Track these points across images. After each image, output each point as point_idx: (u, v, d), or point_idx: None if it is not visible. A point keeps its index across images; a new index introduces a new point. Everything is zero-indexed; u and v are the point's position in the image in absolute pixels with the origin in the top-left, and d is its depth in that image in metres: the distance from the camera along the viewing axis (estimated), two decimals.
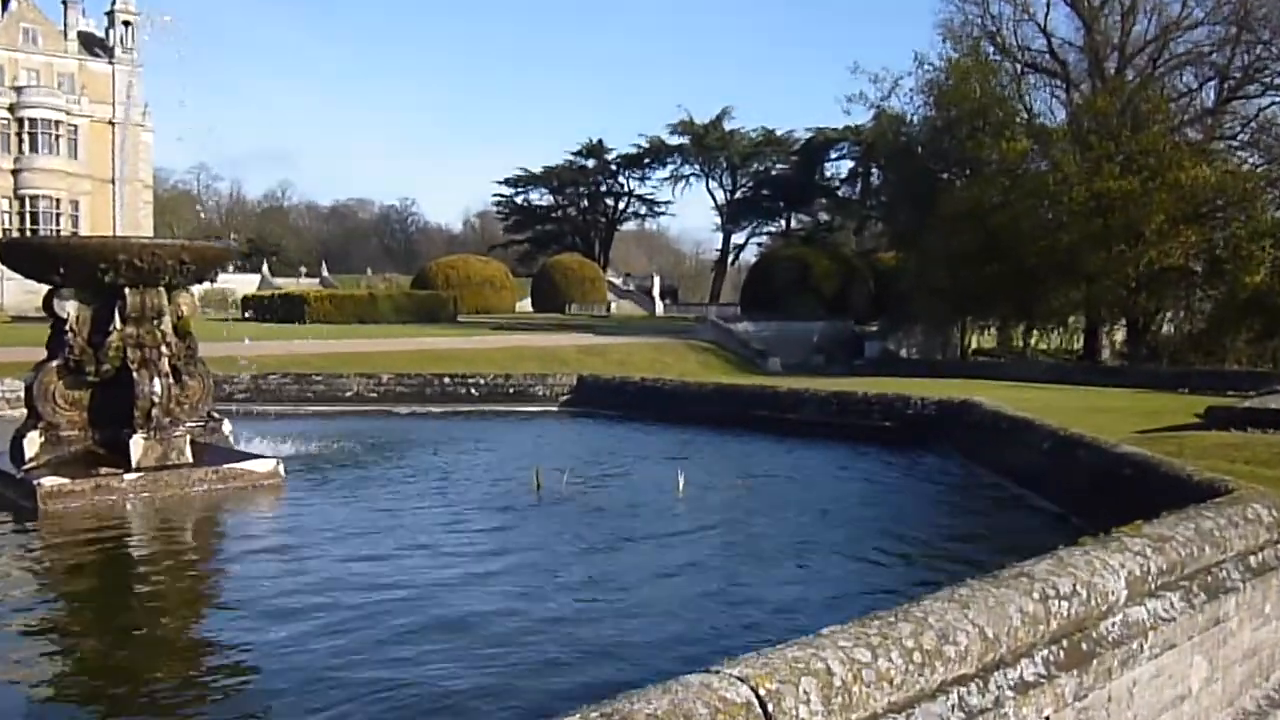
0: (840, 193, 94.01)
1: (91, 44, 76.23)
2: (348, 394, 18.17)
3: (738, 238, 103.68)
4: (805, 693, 3.00)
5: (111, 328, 10.12)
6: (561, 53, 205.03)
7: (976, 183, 51.62)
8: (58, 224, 70.54)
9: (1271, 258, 45.05)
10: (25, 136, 71.08)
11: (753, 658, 3.09)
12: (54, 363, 10.17)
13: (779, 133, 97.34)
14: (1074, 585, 4.09)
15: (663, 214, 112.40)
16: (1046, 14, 55.24)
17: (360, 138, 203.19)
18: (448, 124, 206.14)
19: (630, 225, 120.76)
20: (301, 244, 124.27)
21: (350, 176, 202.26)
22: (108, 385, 10.17)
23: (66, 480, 9.24)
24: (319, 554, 7.31)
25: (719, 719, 2.79)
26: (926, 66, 57.12)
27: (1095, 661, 4.02)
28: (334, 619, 5.78)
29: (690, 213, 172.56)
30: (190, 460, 10.06)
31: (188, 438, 10.22)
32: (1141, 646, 4.30)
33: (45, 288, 10.30)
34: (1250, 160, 51.30)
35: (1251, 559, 5.35)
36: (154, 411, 10.09)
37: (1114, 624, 4.25)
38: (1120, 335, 57.10)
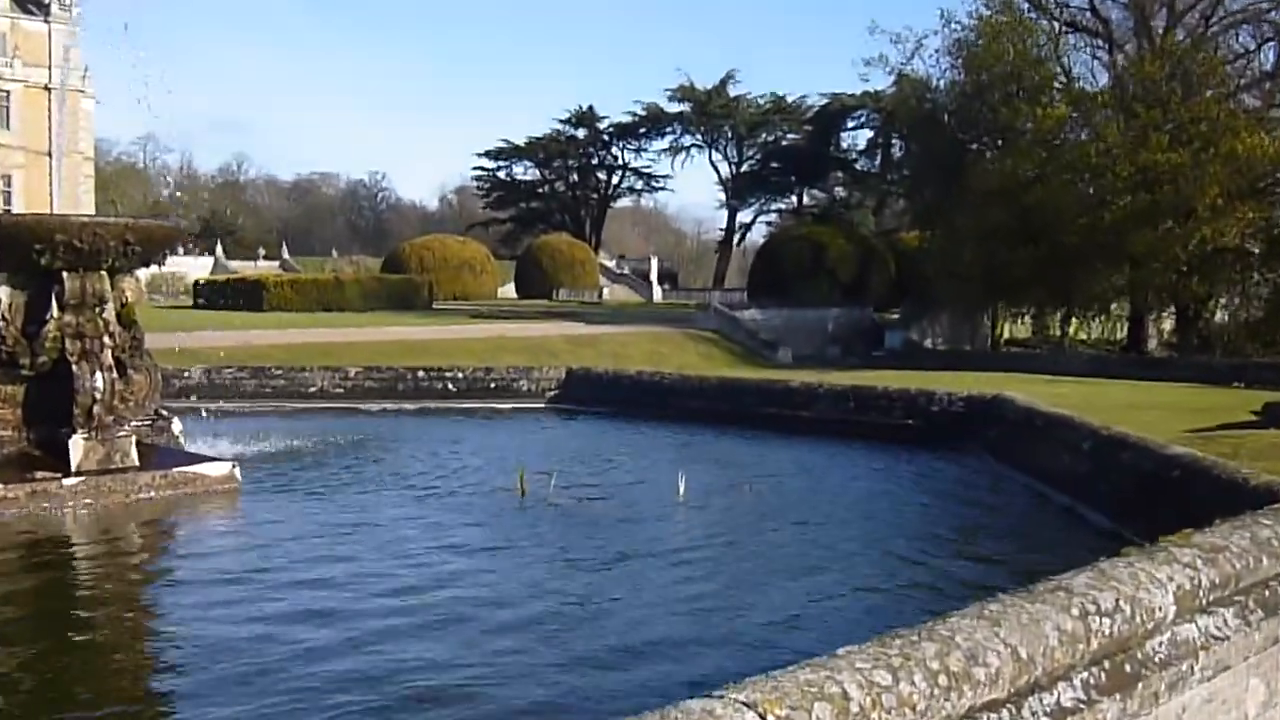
0: (858, 166, 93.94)
1: (25, 0, 76.09)
2: (311, 390, 18.15)
3: (744, 216, 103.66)
4: None
5: (48, 316, 10.10)
6: (548, 10, 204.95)
7: (1009, 154, 51.52)
8: None
9: None
10: None
11: (760, 680, 3.09)
12: None
13: (790, 99, 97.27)
14: (1117, 600, 4.09)
15: (661, 189, 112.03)
16: None
17: (325, 104, 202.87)
18: (422, 89, 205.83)
19: (625, 202, 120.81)
20: (260, 223, 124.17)
21: (314, 148, 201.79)
22: (44, 380, 10.15)
23: None
24: (267, 580, 7.00)
25: None
26: (954, 25, 56.98)
27: (1140, 685, 4.02)
28: (265, 661, 5.46)
29: (691, 188, 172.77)
30: (136, 463, 10.04)
31: (133, 438, 10.21)
32: (1192, 668, 4.30)
33: None
34: None
35: None
36: (96, 409, 10.06)
37: (1161, 643, 4.25)
38: (1168, 324, 57.07)
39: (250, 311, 48.70)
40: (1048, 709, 3.67)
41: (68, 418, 10.02)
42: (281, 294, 54.89)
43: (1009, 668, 3.57)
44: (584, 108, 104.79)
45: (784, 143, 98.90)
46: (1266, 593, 4.97)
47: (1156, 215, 46.96)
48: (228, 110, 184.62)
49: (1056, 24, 55.99)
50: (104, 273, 10.29)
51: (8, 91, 72.48)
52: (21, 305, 10.17)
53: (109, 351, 10.28)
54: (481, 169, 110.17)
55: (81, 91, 75.86)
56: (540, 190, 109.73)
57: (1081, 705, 3.77)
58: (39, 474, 9.59)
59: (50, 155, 71.45)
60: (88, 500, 9.46)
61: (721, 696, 3.00)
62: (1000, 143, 54.52)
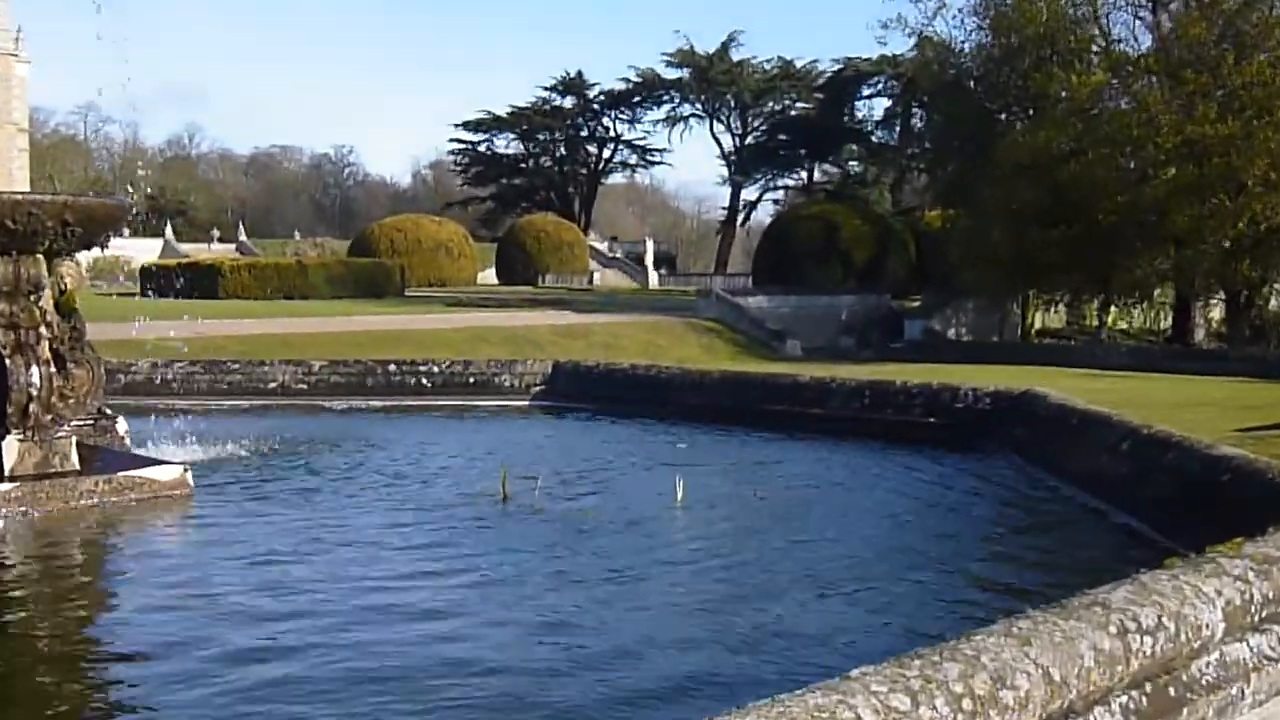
0: (874, 138, 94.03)
1: None
2: (271, 385, 18.14)
3: (749, 193, 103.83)
4: None
5: None
6: None
7: (1042, 125, 51.47)
8: None
9: None
10: None
11: (766, 706, 3.09)
12: None
13: (799, 64, 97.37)
14: (1159, 617, 4.10)
15: (657, 164, 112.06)
16: None
17: (286, 70, 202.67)
18: (394, 54, 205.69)
19: (618, 178, 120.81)
20: (214, 201, 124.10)
21: (273, 118, 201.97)
22: None
23: None
24: (211, 610, 6.78)
25: None
26: None
27: (1185, 710, 4.02)
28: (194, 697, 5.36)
29: (691, 163, 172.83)
30: (77, 467, 10.03)
31: (73, 439, 10.19)
32: (1243, 692, 4.31)
33: None
34: None
35: None
36: (31, 407, 10.03)
37: (1209, 664, 4.26)
38: (1217, 312, 57.12)
39: (203, 299, 48.63)
40: None
41: (0, 417, 10.00)
42: (238, 280, 54.86)
43: (1040, 691, 3.57)
44: (572, 74, 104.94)
45: (792, 113, 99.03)
46: None
47: (1204, 190, 46.89)
48: (179, 76, 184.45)
49: None
50: (40, 256, 10.25)
51: None
52: None
53: (46, 344, 10.24)
54: (459, 142, 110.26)
55: (14, 55, 75.66)
56: (524, 165, 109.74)
57: None
58: None
59: None
60: (23, 508, 9.44)
61: None
62: (1032, 112, 54.52)
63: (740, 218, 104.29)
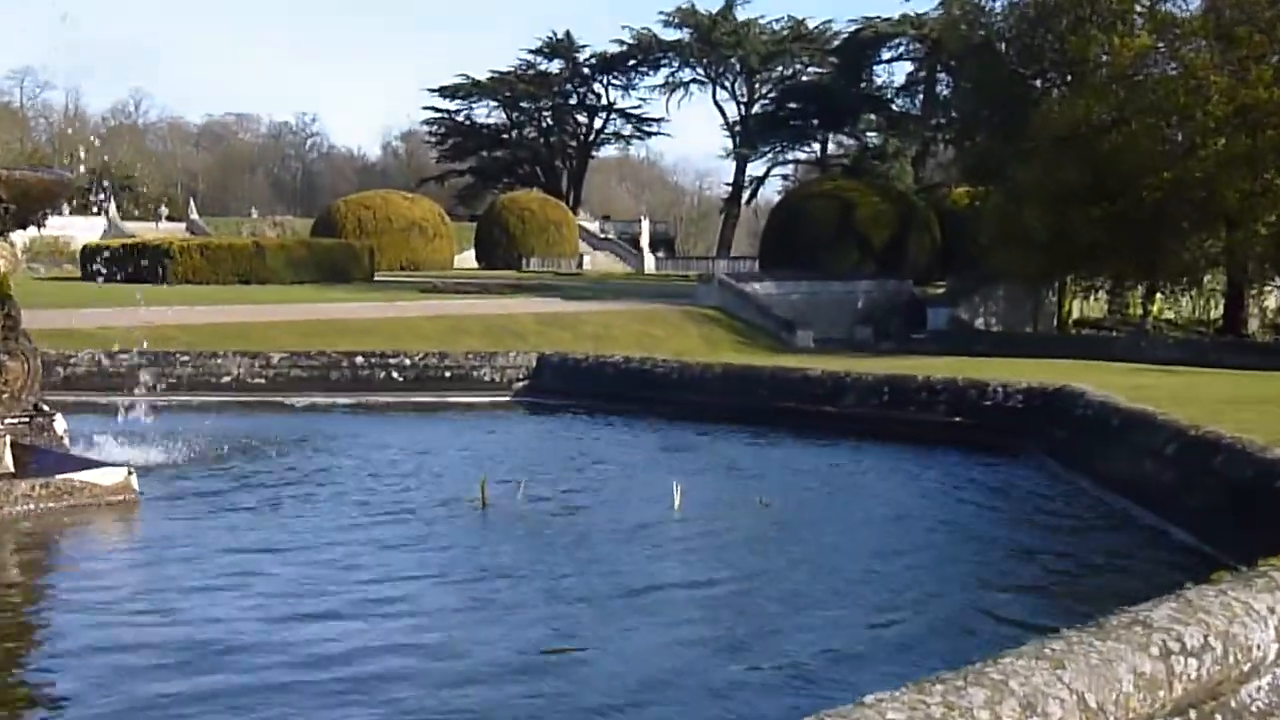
0: (894, 107, 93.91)
1: None
2: (224, 379, 18.13)
3: (755, 168, 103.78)
4: None
5: None
6: None
7: (1081, 93, 51.43)
8: None
9: None
10: None
11: None
12: None
13: (811, 25, 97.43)
14: (1206, 637, 4.11)
15: (654, 135, 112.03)
16: None
17: (241, 29, 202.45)
18: (362, 10, 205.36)
19: (610, 151, 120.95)
20: (162, 176, 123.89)
21: (228, 84, 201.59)
22: None
23: None
24: (156, 640, 6.65)
25: None
26: None
27: None
28: None
29: (692, 134, 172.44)
30: (10, 469, 10.02)
31: (7, 438, 10.18)
32: None
33: None
34: None
35: None
36: None
37: (1260, 689, 4.27)
38: (1273, 300, 57.17)
39: (151, 284, 48.54)
40: None
41: None
42: (189, 262, 54.74)
43: (1074, 718, 3.58)
44: (560, 35, 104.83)
45: (804, 78, 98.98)
46: None
47: (1257, 163, 46.79)
48: (124, 35, 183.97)
49: None
50: None
51: None
52: None
53: None
54: (434, 110, 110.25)
55: None
56: (506, 137, 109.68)
57: None
58: None
59: None
60: None
61: None
62: (1069, 79, 54.51)
63: (746, 195, 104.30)
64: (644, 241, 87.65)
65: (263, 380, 18.20)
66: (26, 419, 10.76)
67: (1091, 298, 62.81)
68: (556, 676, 6.15)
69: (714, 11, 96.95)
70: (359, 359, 18.71)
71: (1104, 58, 51.36)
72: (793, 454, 13.66)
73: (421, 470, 12.11)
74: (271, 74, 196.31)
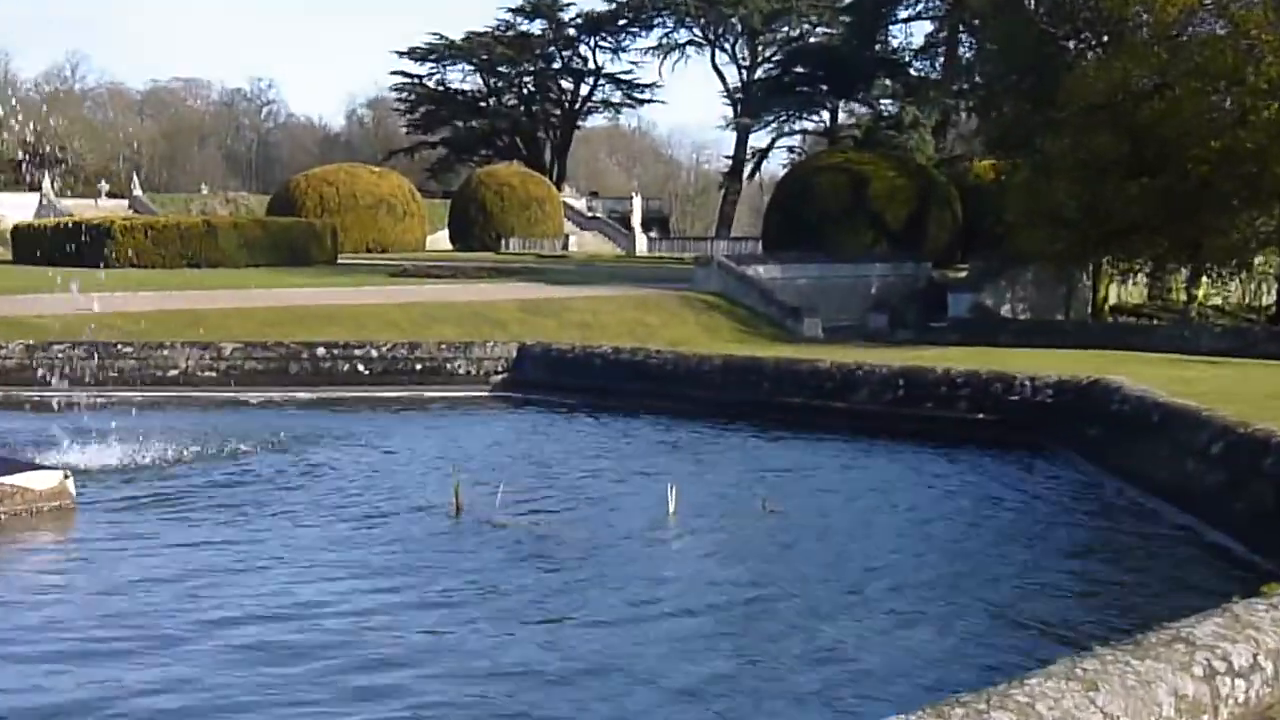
0: (912, 71, 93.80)
1: None
2: (172, 373, 18.11)
3: (758, 139, 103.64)
4: None
5: None
6: None
7: (1119, 55, 51.35)
8: None
9: None
10: None
11: None
12: None
13: None
14: (1255, 656, 4.11)
15: (647, 103, 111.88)
16: None
17: None
18: None
19: (598, 121, 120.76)
20: (102, 148, 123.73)
21: (176, 46, 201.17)
22: None
23: None
24: (89, 676, 6.53)
25: None
26: None
27: None
28: None
29: (688, 102, 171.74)
30: None
31: None
32: None
33: None
34: None
35: None
36: None
37: None
38: None
39: (90, 267, 48.47)
40: None
41: None
42: (132, 243, 54.63)
43: None
44: None
45: (812, 40, 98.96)
46: None
47: None
48: None
49: None
50: None
51: None
52: None
53: None
54: (404, 75, 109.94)
55: None
56: (483, 104, 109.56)
57: None
58: None
59: None
60: None
61: None
62: (1105, 39, 54.47)
63: (748, 169, 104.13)
64: (635, 220, 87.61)
65: (214, 374, 18.18)
66: None
67: (1130, 282, 62.78)
68: None
69: None
70: (321, 350, 18.69)
71: (1144, 16, 51.28)
72: (799, 454, 13.67)
73: (389, 473, 12.10)
74: (223, 35, 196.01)
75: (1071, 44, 56.64)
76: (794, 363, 17.35)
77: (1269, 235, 51.17)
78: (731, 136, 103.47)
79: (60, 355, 17.99)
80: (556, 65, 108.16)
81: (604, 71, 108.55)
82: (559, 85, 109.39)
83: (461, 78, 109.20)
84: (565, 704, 6.18)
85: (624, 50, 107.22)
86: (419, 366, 18.55)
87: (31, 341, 18.13)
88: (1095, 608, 7.93)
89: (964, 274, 61.12)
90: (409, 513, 10.21)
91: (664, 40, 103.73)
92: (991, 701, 3.53)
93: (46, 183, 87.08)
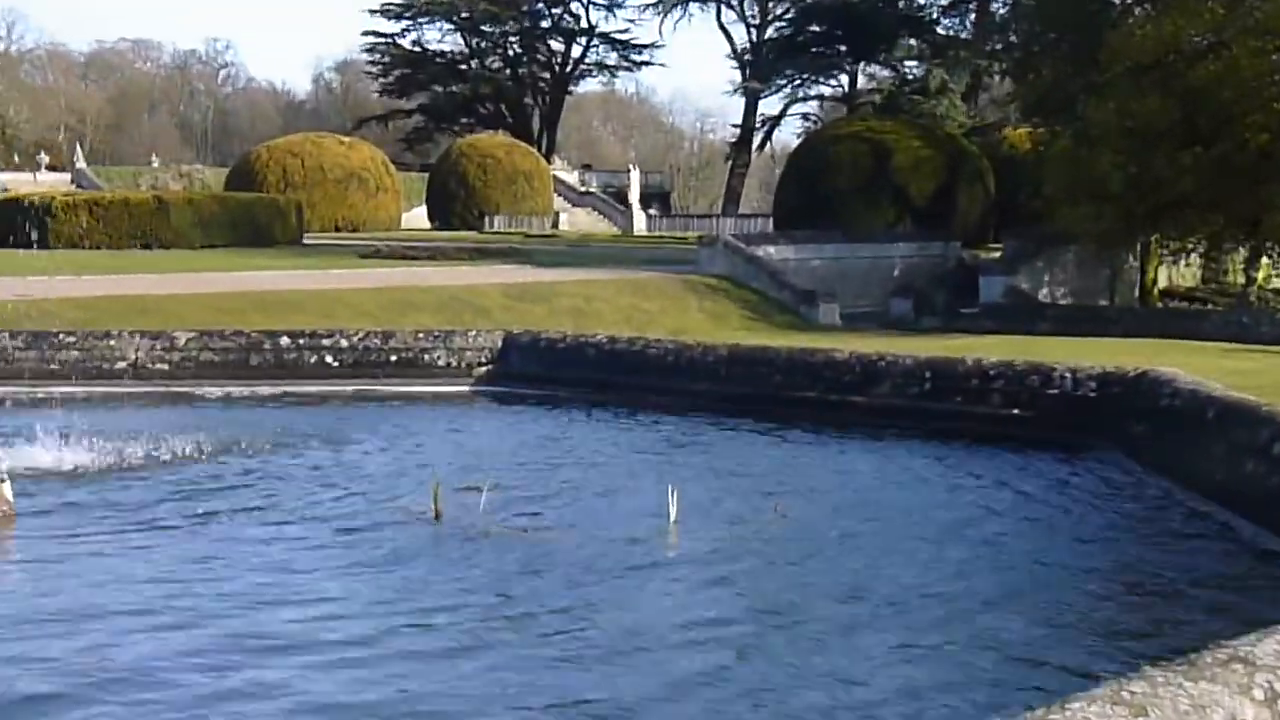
0: (940, 30, 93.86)
1: None
2: (120, 365, 18.07)
3: (769, 105, 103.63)
4: None
5: None
6: None
7: (1169, 12, 51.35)
8: None
9: None
10: None
11: None
12: None
13: None
14: None
15: (646, 66, 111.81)
16: None
17: None
18: None
19: (592, 86, 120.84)
20: (42, 116, 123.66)
21: (123, 3, 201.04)
22: None
23: None
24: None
25: None
26: None
27: None
28: None
29: (691, 65, 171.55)
30: None
31: None
32: None
33: None
34: None
35: None
36: None
37: None
38: None
39: (28, 249, 48.47)
40: None
41: None
42: (74, 222, 54.66)
43: None
44: None
45: None
46: None
47: None
48: None
49: None
50: None
51: None
52: None
53: None
54: (376, 35, 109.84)
55: None
56: (464, 68, 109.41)
57: None
58: None
59: None
60: None
61: None
62: None
63: (757, 139, 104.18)
64: (633, 196, 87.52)
65: (166, 366, 18.15)
66: None
67: (1181, 263, 62.80)
68: None
69: None
70: (285, 340, 18.67)
71: None
72: (814, 454, 13.68)
73: (360, 476, 12.09)
74: None
75: (1117, 0, 56.64)
76: (808, 353, 17.35)
77: None
78: (739, 103, 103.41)
79: None
80: (545, 23, 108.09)
81: (598, 30, 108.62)
82: (548, 46, 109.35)
83: (440, 37, 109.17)
84: None
85: (620, 6, 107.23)
86: (394, 358, 18.53)
87: None
88: (1139, 622, 7.91)
89: (997, 254, 61.07)
90: (383, 521, 10.17)
91: None
92: None
93: None
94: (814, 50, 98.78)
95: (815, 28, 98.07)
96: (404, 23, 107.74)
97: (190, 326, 20.68)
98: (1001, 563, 9.40)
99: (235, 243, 54.36)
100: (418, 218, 78.73)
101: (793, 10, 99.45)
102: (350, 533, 9.87)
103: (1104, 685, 3.85)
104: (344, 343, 18.71)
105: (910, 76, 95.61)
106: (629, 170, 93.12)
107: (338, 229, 67.72)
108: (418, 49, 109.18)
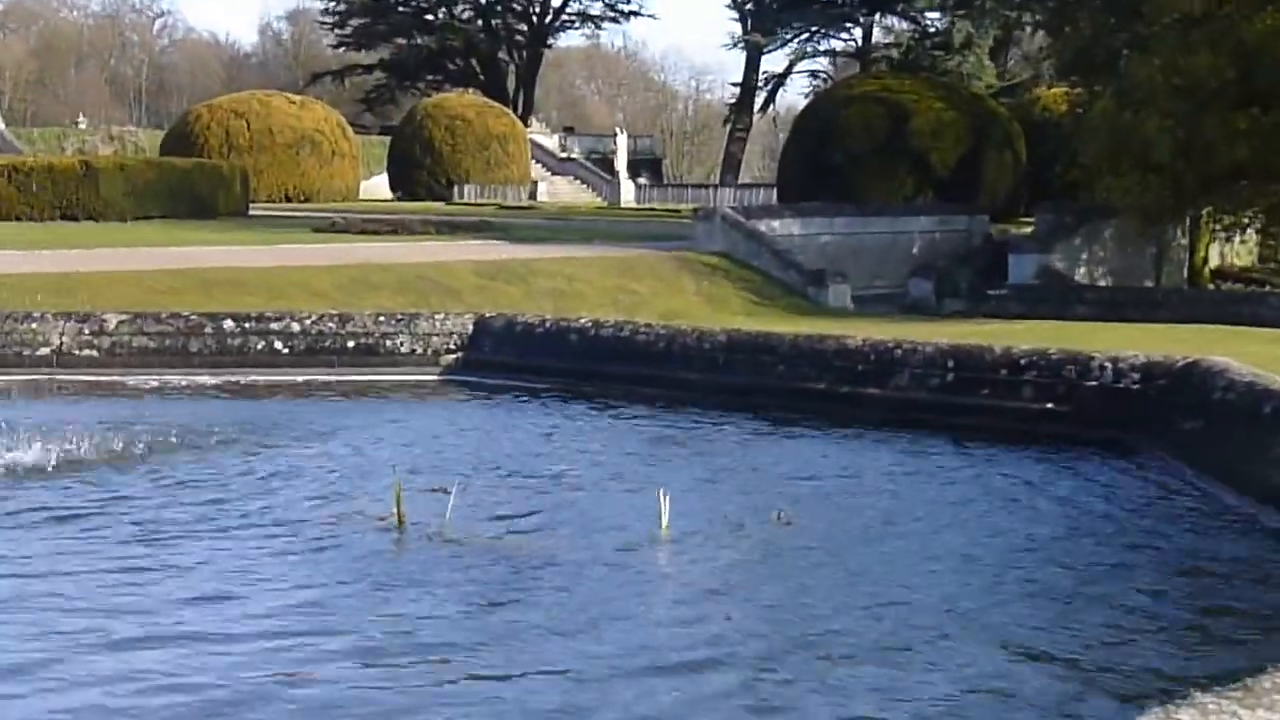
0: None
1: None
2: (41, 351, 18.05)
3: (773, 62, 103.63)
4: None
5: None
6: None
7: None
8: None
9: None
10: None
11: None
12: None
13: None
14: None
15: (634, 16, 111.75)
16: None
17: None
18: None
19: (574, 39, 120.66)
20: None
21: None
22: None
23: None
24: None
25: None
26: None
27: None
28: None
29: (686, 16, 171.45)
30: None
31: None
32: None
33: None
34: None
35: None
36: None
37: None
38: None
39: None
40: None
41: None
42: None
43: None
44: None
45: None
46: None
47: None
48: None
49: None
50: None
51: None
52: None
53: None
54: None
55: None
56: (431, 17, 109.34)
57: None
58: None
59: None
60: None
61: None
62: None
63: (760, 100, 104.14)
64: (620, 164, 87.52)
65: (95, 352, 18.12)
66: None
67: (1236, 239, 62.95)
68: None
69: None
70: (228, 324, 18.66)
71: None
72: (822, 453, 13.67)
73: (313, 476, 12.11)
74: None
75: None
76: (817, 340, 17.32)
77: None
78: (740, 59, 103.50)
79: None
80: None
81: None
82: None
83: None
84: None
85: None
86: (351, 344, 18.52)
87: None
88: (1187, 638, 7.92)
89: (1029, 230, 61.18)
90: (336, 526, 10.14)
91: None
92: None
93: None
94: (824, 0, 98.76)
95: None
96: None
97: (122, 308, 20.64)
98: (1040, 585, 9.37)
99: (172, 214, 54.31)
100: (378, 187, 78.80)
101: None
102: (298, 544, 9.83)
103: (1150, 713, 3.85)
104: (295, 327, 18.70)
105: (931, 29, 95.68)
106: (615, 134, 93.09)
107: (288, 199, 67.74)
108: None
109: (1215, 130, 49.16)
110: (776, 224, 54.24)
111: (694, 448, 13.73)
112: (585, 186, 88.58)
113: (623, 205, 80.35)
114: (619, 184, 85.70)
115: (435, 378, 18.12)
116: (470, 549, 9.58)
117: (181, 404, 16.40)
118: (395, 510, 10.11)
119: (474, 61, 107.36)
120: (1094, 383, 14.26)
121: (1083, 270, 58.83)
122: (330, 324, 18.89)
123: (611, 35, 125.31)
